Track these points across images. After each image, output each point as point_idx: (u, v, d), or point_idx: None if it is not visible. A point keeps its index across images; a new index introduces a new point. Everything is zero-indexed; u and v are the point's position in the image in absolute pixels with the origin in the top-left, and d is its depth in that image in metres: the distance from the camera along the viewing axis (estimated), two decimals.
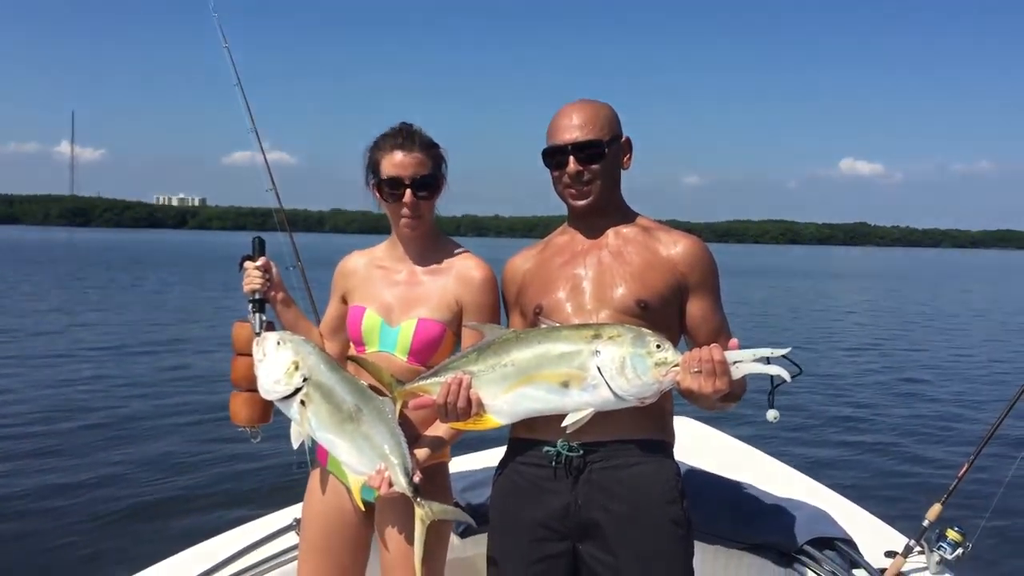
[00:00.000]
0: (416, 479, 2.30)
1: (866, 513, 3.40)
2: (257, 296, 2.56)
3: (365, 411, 2.31)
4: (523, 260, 2.47)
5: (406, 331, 2.46)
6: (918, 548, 2.89)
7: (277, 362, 2.31)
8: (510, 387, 2.11)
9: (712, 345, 1.98)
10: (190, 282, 34.04)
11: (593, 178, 2.28)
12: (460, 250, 2.59)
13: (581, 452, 2.19)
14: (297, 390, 2.30)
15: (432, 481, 2.42)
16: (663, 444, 2.28)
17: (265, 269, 2.59)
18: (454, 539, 3.18)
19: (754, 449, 4.17)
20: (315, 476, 2.65)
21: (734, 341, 2.02)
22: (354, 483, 2.38)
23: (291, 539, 3.01)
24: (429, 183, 2.49)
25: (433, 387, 2.21)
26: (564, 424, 2.06)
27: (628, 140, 2.37)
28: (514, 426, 2.26)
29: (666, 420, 2.31)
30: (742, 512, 3.09)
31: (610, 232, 2.35)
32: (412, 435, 2.42)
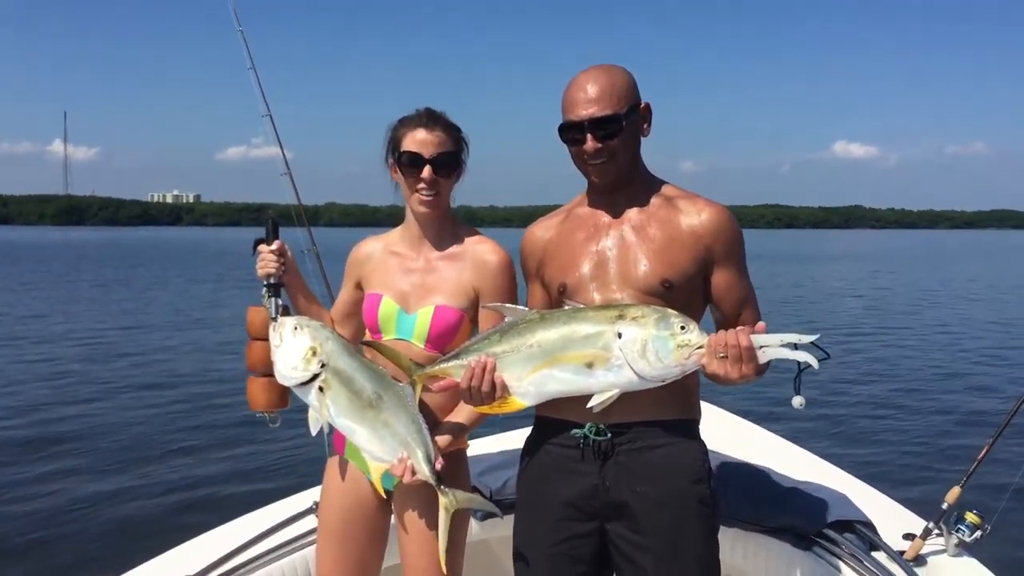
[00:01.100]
0: (439, 467, 2.30)
1: (885, 496, 3.41)
2: (272, 280, 2.54)
3: (385, 397, 2.31)
4: (544, 230, 2.43)
5: (423, 318, 2.45)
6: (937, 531, 2.90)
7: (294, 348, 2.29)
8: (535, 369, 2.10)
9: (739, 329, 1.96)
10: (193, 277, 34.06)
11: (613, 153, 2.21)
12: (475, 235, 2.56)
13: (608, 436, 2.20)
14: (315, 376, 2.29)
15: (452, 468, 2.43)
16: (689, 423, 2.28)
17: (280, 253, 2.57)
18: (473, 523, 3.20)
19: (772, 434, 4.18)
20: (333, 464, 2.65)
21: (761, 325, 2.00)
22: (374, 470, 2.39)
23: (310, 522, 3.03)
24: (449, 162, 2.47)
25: (455, 370, 2.20)
26: (589, 405, 2.06)
27: (647, 106, 2.29)
28: (539, 406, 2.24)
29: (692, 399, 2.30)
30: (761, 495, 3.10)
31: (633, 206, 2.29)
32: (432, 421, 2.42)
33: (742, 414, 4.35)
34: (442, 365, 2.25)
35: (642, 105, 2.27)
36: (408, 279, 2.53)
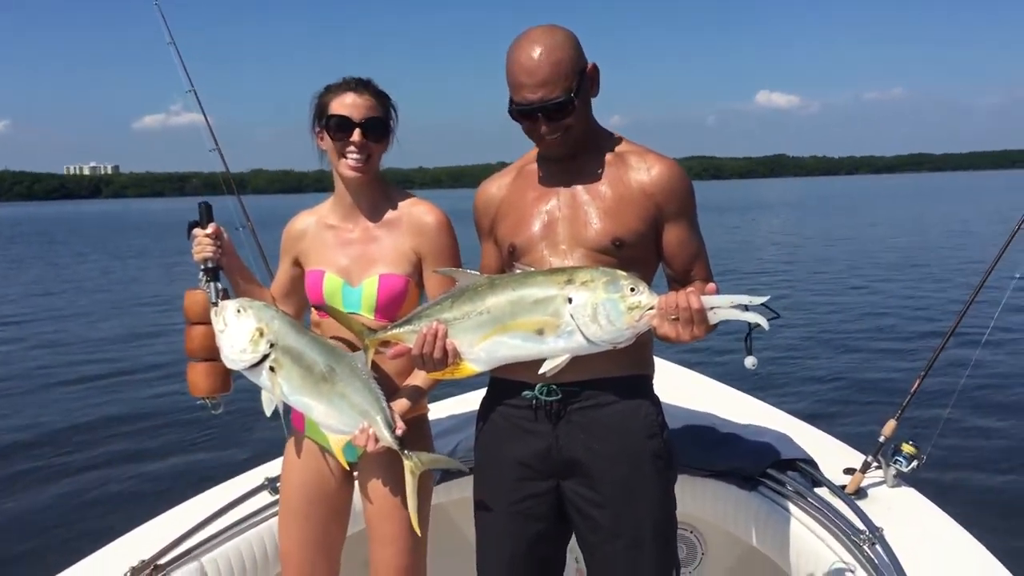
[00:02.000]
0: (400, 432, 2.29)
1: (825, 434, 3.51)
2: (210, 264, 2.46)
3: (338, 369, 2.27)
4: (497, 188, 2.39)
5: (369, 289, 2.42)
6: (875, 463, 2.99)
7: (240, 330, 2.24)
8: (486, 335, 2.08)
9: (690, 291, 1.95)
10: (118, 253, 33.16)
11: (568, 129, 2.17)
12: (409, 197, 2.53)
13: (560, 396, 2.20)
14: (265, 357, 2.24)
15: (415, 432, 2.43)
16: (642, 379, 2.29)
17: (216, 236, 2.48)
18: None
19: (713, 380, 4.26)
20: (292, 443, 2.62)
21: (711, 286, 2.00)
22: (335, 443, 2.36)
23: (264, 499, 3.00)
24: (378, 126, 2.42)
25: (407, 335, 2.18)
26: (542, 371, 2.05)
27: (594, 67, 2.21)
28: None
29: (645, 354, 2.29)
30: (706, 440, 3.17)
31: (584, 162, 2.25)
32: (389, 387, 2.41)
33: (685, 364, 4.41)
34: (394, 331, 2.22)
35: (588, 67, 2.21)
36: (348, 252, 2.48)
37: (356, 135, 2.38)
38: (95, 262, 29.47)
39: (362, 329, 2.30)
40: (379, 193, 2.51)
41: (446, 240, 2.45)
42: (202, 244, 2.46)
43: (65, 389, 10.38)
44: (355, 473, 2.60)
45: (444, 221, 2.47)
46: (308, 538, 2.58)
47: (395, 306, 2.40)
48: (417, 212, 2.47)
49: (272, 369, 2.25)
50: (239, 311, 2.25)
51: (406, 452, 2.31)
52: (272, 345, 2.24)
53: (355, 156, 2.40)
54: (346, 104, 2.40)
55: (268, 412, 2.30)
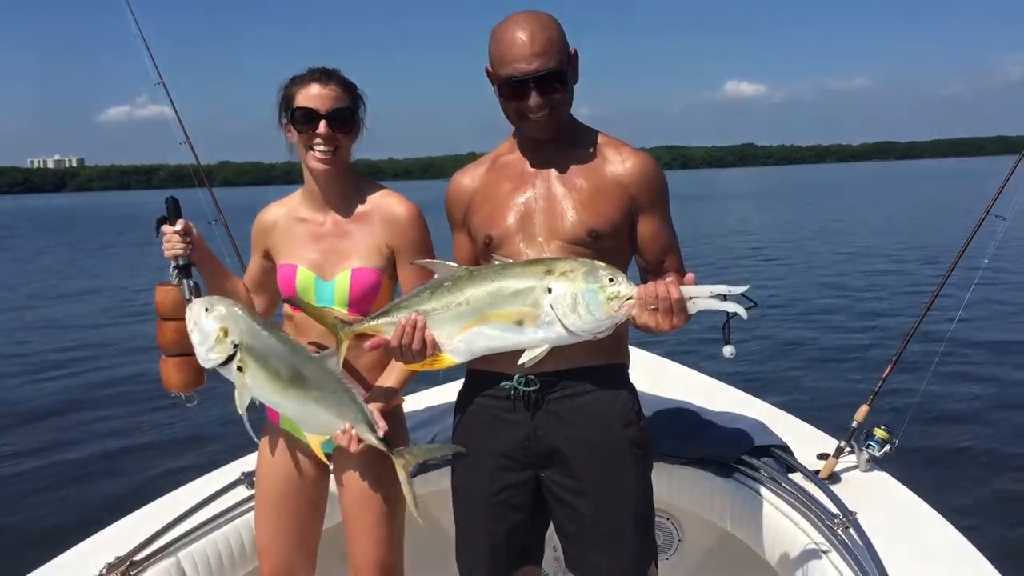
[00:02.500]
0: (382, 432, 2.27)
1: (799, 420, 3.55)
2: (180, 262, 2.42)
3: (307, 372, 2.23)
4: (470, 179, 2.38)
5: (342, 283, 2.40)
6: (848, 448, 3.03)
7: (206, 329, 2.20)
8: (465, 327, 2.08)
9: (669, 281, 1.96)
10: (92, 245, 32.74)
11: (555, 107, 2.17)
12: (380, 189, 2.50)
13: (538, 386, 2.21)
14: (231, 357, 2.20)
15: (393, 425, 2.39)
16: (619, 367, 2.31)
17: (185, 232, 2.43)
18: None
19: (688, 368, 4.28)
20: (267, 435, 2.61)
21: (690, 276, 2.01)
22: (313, 441, 2.34)
23: (240, 493, 2.98)
24: (346, 117, 2.39)
25: (385, 327, 2.16)
26: (521, 361, 2.05)
27: (575, 52, 2.23)
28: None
29: (621, 343, 2.31)
30: (681, 428, 3.19)
31: (559, 154, 2.26)
32: (362, 383, 2.41)
33: (655, 350, 4.43)
34: (371, 323, 2.20)
35: (572, 51, 2.23)
36: (319, 246, 2.45)
37: (322, 127, 2.35)
38: (60, 255, 29.07)
39: (335, 322, 2.27)
40: (349, 185, 2.48)
41: (419, 233, 2.44)
42: (172, 241, 2.42)
43: (32, 383, 10.25)
44: (331, 465, 2.58)
45: (416, 213, 2.45)
46: (284, 530, 2.57)
47: (368, 300, 2.39)
48: (388, 204, 2.45)
49: (240, 369, 2.21)
50: (206, 310, 2.21)
51: (395, 450, 2.30)
52: (236, 345, 2.19)
53: (322, 148, 2.38)
54: (311, 95, 2.37)
55: (240, 410, 2.25)
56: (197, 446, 7.26)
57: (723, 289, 1.94)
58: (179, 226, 2.43)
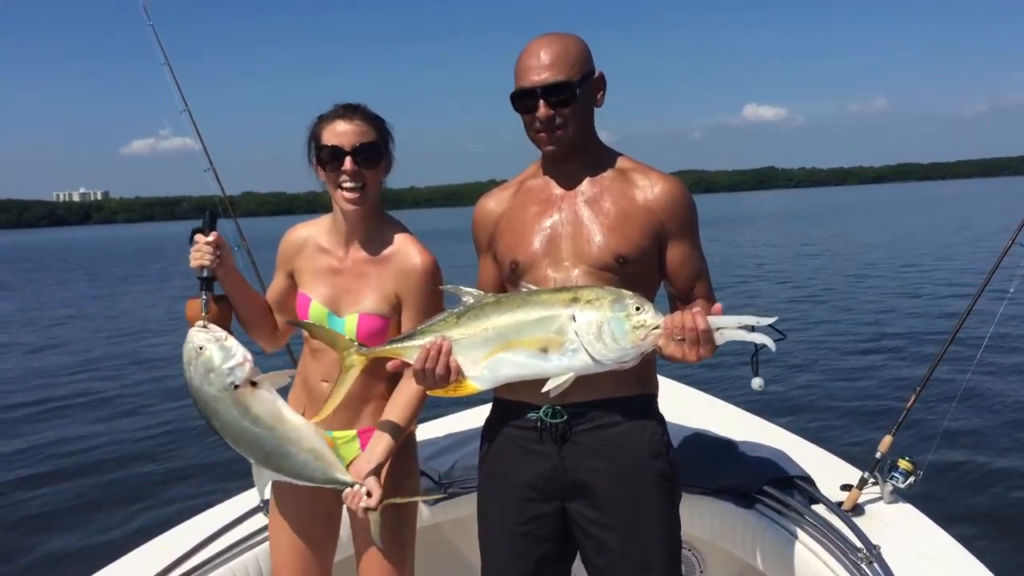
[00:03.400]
0: (375, 503, 2.32)
1: (822, 450, 3.51)
2: (206, 273, 2.43)
3: (280, 430, 2.28)
4: (496, 203, 2.38)
5: (350, 323, 2.43)
6: (872, 480, 2.99)
7: (202, 364, 2.23)
8: (490, 353, 2.07)
9: (696, 311, 1.94)
10: (120, 278, 33.07)
11: (565, 122, 2.17)
12: (403, 234, 2.51)
13: (565, 418, 2.19)
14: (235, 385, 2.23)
15: (401, 455, 2.44)
16: (647, 399, 2.28)
17: (216, 244, 2.44)
18: (423, 508, 3.20)
19: (710, 396, 4.25)
20: None
21: (718, 307, 1.99)
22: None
23: (259, 521, 2.98)
24: (371, 153, 2.40)
25: (407, 351, 2.16)
26: (545, 389, 2.04)
27: (601, 76, 2.25)
28: (497, 387, 2.22)
29: (650, 373, 2.29)
30: (703, 458, 3.16)
31: (586, 178, 2.25)
32: (374, 415, 2.45)
33: (682, 380, 4.41)
34: (395, 345, 2.20)
35: (596, 74, 2.24)
36: (335, 282, 2.49)
37: (348, 163, 2.37)
38: (85, 287, 29.39)
39: (348, 344, 2.27)
40: (375, 225, 2.50)
41: (429, 286, 2.45)
42: (201, 251, 2.42)
43: (52, 415, 10.33)
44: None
45: (431, 266, 2.46)
46: (299, 555, 2.58)
47: (374, 343, 2.38)
48: (407, 252, 2.47)
49: (235, 387, 2.24)
50: (200, 348, 2.23)
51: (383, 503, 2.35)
52: (236, 386, 2.22)
53: (349, 185, 2.39)
54: (336, 132, 2.39)
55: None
56: (215, 474, 7.28)
57: (751, 320, 1.93)
58: (212, 237, 2.44)
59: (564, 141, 2.21)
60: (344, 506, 2.56)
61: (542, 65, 2.15)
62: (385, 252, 2.48)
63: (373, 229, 2.50)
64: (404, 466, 2.47)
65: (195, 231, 2.47)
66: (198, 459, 7.91)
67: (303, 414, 2.38)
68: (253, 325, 2.56)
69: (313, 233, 2.58)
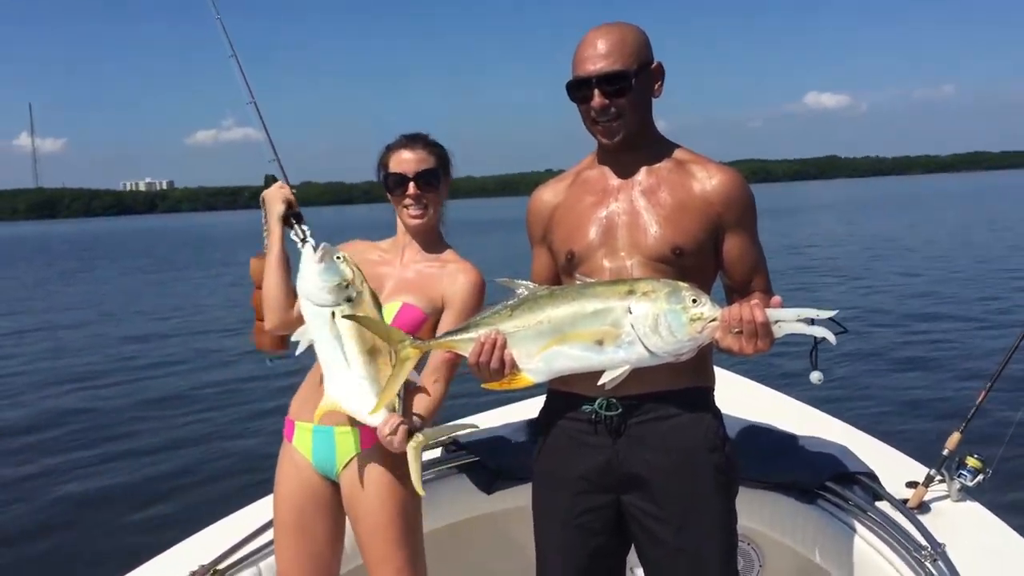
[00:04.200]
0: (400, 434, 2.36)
1: (886, 446, 3.43)
2: (292, 211, 2.70)
3: (380, 357, 2.38)
4: (552, 194, 2.39)
5: (388, 312, 2.50)
6: (939, 477, 2.91)
7: (334, 272, 2.38)
8: (545, 346, 2.06)
9: (754, 304, 1.92)
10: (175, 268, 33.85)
11: (620, 112, 2.17)
12: (455, 254, 2.69)
13: (620, 410, 2.18)
14: (336, 304, 2.37)
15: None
16: (703, 391, 2.27)
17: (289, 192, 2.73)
18: (480, 496, 3.23)
19: (771, 390, 4.20)
20: (283, 453, 2.66)
21: (777, 299, 1.97)
22: (326, 406, 2.45)
23: (267, 536, 2.96)
24: (431, 178, 2.62)
25: (462, 344, 2.17)
26: (601, 382, 2.03)
27: (660, 66, 2.23)
28: (551, 379, 2.22)
29: (706, 365, 2.27)
30: (763, 452, 3.11)
31: (643, 169, 2.25)
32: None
33: (737, 370, 4.35)
34: (448, 338, 2.22)
35: (654, 64, 2.23)
36: (385, 276, 2.64)
37: (411, 188, 2.59)
38: (163, 273, 30.13)
39: (403, 338, 2.30)
40: (432, 241, 2.69)
41: (473, 299, 2.57)
42: (285, 189, 2.73)
43: (117, 395, 10.69)
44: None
45: (479, 284, 2.60)
46: (306, 554, 2.58)
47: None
48: (457, 268, 2.62)
49: (333, 315, 2.38)
50: (338, 258, 2.40)
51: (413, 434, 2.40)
52: (348, 300, 2.37)
53: (413, 208, 2.61)
54: (401, 160, 2.62)
55: (300, 348, 2.49)
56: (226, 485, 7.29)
57: (811, 313, 1.90)
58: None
59: (619, 131, 2.20)
60: (347, 519, 2.60)
61: (599, 54, 2.15)
62: (437, 262, 2.65)
63: (431, 244, 2.69)
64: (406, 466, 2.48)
65: (269, 176, 2.76)
66: (262, 440, 8.02)
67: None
68: (277, 296, 2.68)
69: (372, 245, 2.77)
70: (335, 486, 2.58)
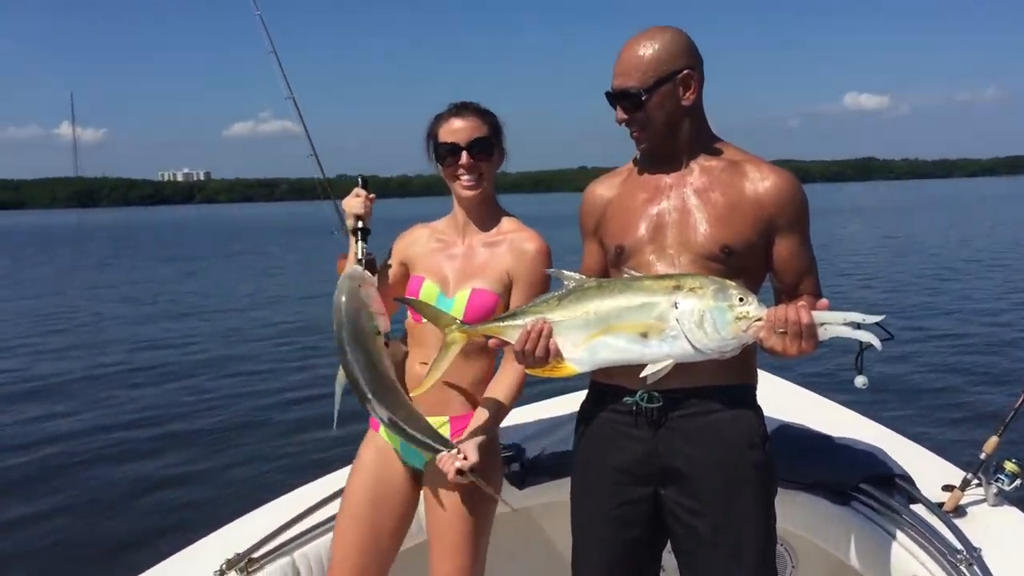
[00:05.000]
0: (472, 463, 2.36)
1: (922, 448, 3.41)
2: (360, 224, 2.58)
3: (378, 393, 2.40)
4: (606, 189, 2.42)
5: (460, 301, 2.49)
6: (976, 481, 2.89)
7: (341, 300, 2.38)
8: (590, 336, 2.08)
9: (800, 305, 1.93)
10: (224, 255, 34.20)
11: (642, 125, 2.24)
12: (516, 222, 2.62)
13: (661, 403, 2.20)
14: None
15: (487, 452, 2.46)
16: (746, 388, 2.27)
17: (370, 201, 2.62)
18: (513, 490, 3.23)
19: (805, 390, 4.18)
20: (367, 441, 2.68)
21: (823, 302, 1.97)
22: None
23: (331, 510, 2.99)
24: (485, 146, 2.54)
25: (508, 330, 2.19)
26: (643, 375, 2.05)
27: (690, 74, 2.22)
28: (593, 371, 2.25)
29: (750, 363, 2.27)
30: (797, 451, 3.10)
31: (695, 168, 2.27)
32: (468, 398, 2.51)
33: (771, 370, 4.34)
34: (496, 324, 2.24)
35: (682, 74, 2.22)
36: (449, 264, 2.59)
37: (464, 157, 2.52)
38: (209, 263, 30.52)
39: (451, 321, 2.33)
40: (489, 213, 2.62)
41: (541, 269, 2.51)
42: (359, 199, 2.60)
43: (154, 383, 10.83)
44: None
45: (544, 251, 2.54)
46: (363, 542, 2.58)
47: (481, 321, 2.42)
48: (520, 238, 2.56)
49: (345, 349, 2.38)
50: (360, 285, 2.40)
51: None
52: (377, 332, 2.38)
53: (467, 177, 2.53)
54: (452, 130, 2.54)
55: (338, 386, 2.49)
56: (317, 448, 7.47)
57: (857, 317, 1.90)
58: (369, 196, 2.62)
59: (643, 141, 2.27)
60: (421, 495, 2.61)
61: (619, 71, 2.23)
62: (499, 236, 2.58)
63: (488, 216, 2.61)
64: (490, 463, 2.49)
65: (360, 177, 2.66)
66: (299, 433, 8.17)
67: None
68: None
69: (430, 230, 2.70)
70: (414, 479, 2.60)
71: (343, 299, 2.38)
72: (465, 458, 2.35)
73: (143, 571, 2.70)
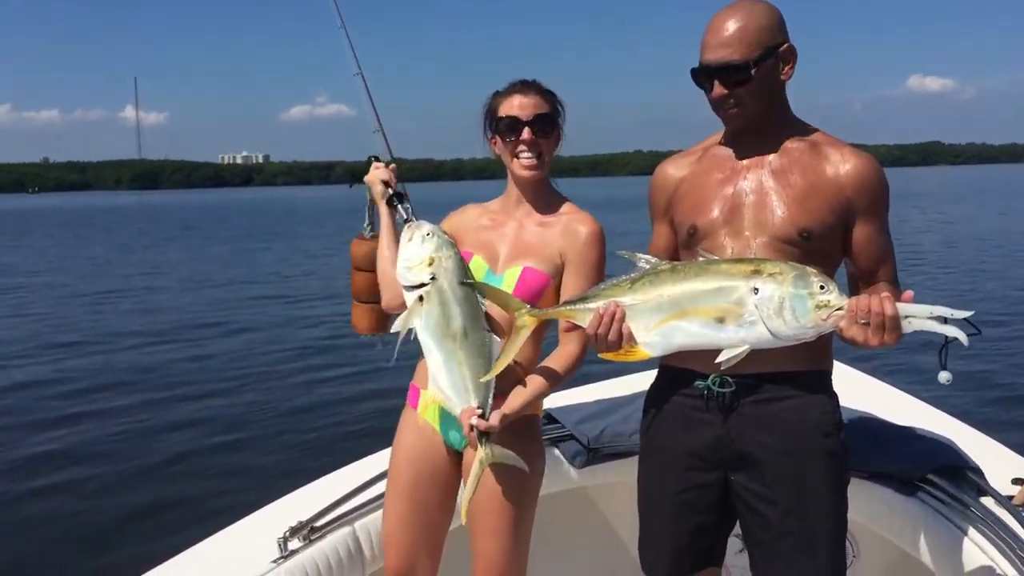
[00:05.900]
0: (484, 425, 2.27)
1: (993, 440, 3.34)
2: (391, 190, 2.65)
3: (471, 337, 2.31)
4: (677, 168, 2.36)
5: (510, 278, 2.46)
6: None
7: (417, 251, 2.34)
8: (663, 320, 2.05)
9: (884, 296, 1.88)
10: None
11: (739, 102, 2.14)
12: (571, 205, 2.57)
13: (733, 388, 2.17)
14: (421, 284, 2.32)
15: (524, 430, 2.43)
16: (821, 375, 2.23)
17: (393, 172, 2.68)
18: (571, 470, 3.24)
19: (873, 378, 4.12)
20: (405, 418, 2.64)
21: (908, 294, 1.92)
22: (430, 399, 2.45)
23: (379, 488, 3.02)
24: (546, 124, 2.49)
25: (580, 314, 2.16)
26: (718, 360, 2.01)
27: (789, 48, 2.15)
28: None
29: (826, 349, 2.23)
30: (862, 440, 3.04)
31: (774, 149, 2.20)
32: (519, 380, 2.41)
33: (842, 359, 4.27)
34: (568, 307, 2.21)
35: (783, 47, 2.15)
36: (500, 240, 2.55)
37: (526, 133, 2.47)
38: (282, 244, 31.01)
39: (521, 306, 2.29)
40: (544, 195, 2.58)
41: (595, 251, 2.47)
42: (382, 169, 2.67)
43: (213, 359, 11.08)
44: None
45: (599, 234, 2.49)
46: (412, 520, 2.56)
47: (531, 300, 2.39)
48: (573, 219, 2.52)
49: (421, 299, 2.32)
50: (429, 235, 2.36)
51: (482, 441, 2.30)
52: (433, 278, 2.32)
53: (527, 155, 2.48)
54: (514, 105, 2.49)
55: (395, 329, 2.37)
56: (379, 420, 7.51)
57: (944, 311, 1.86)
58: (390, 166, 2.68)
59: (740, 119, 2.18)
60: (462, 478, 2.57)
61: (719, 42, 2.11)
62: (552, 217, 2.54)
63: (543, 197, 2.57)
64: (530, 447, 2.46)
65: (372, 158, 2.70)
66: (361, 407, 8.27)
67: None
68: (391, 274, 2.58)
69: (483, 208, 2.67)
70: (456, 455, 2.56)
71: (450, 248, 2.35)
72: (482, 418, 2.29)
73: (210, 535, 2.79)
